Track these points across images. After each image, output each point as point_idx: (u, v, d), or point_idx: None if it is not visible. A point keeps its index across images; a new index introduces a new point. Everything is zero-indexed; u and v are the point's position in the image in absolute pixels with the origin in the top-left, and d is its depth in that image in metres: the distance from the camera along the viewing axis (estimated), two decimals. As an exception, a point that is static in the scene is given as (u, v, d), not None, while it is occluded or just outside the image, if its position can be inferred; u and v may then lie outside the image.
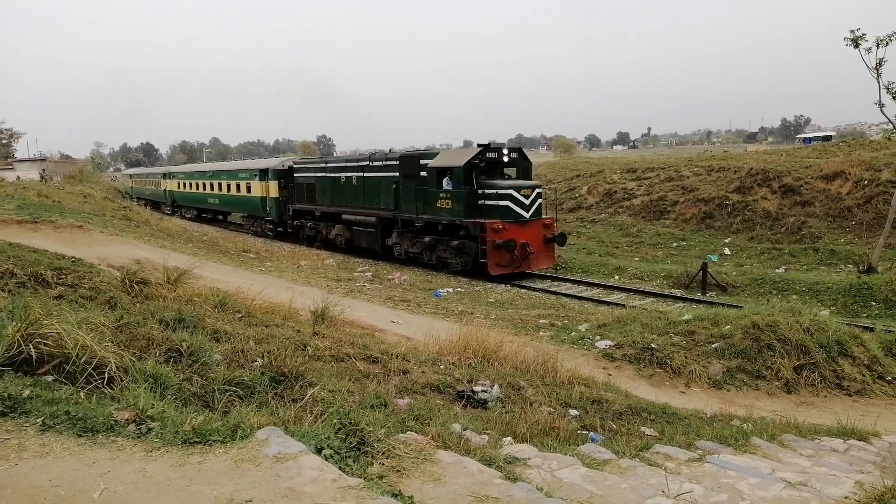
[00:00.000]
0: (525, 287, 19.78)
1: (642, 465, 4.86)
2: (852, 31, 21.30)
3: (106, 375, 4.41)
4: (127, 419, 3.68)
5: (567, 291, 18.97)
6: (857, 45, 21.40)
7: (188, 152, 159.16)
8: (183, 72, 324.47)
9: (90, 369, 4.40)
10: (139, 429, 3.63)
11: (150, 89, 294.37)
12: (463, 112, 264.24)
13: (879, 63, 21.39)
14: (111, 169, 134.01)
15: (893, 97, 21.68)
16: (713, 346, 9.95)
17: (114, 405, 3.89)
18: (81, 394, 4.10)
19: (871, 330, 11.93)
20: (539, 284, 20.18)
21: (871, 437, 6.92)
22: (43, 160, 68.20)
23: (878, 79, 21.66)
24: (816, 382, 9.16)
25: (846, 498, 4.56)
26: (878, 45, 21.22)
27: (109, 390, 4.31)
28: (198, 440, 3.55)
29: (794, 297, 15.08)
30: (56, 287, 7.70)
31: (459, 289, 19.54)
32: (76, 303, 6.97)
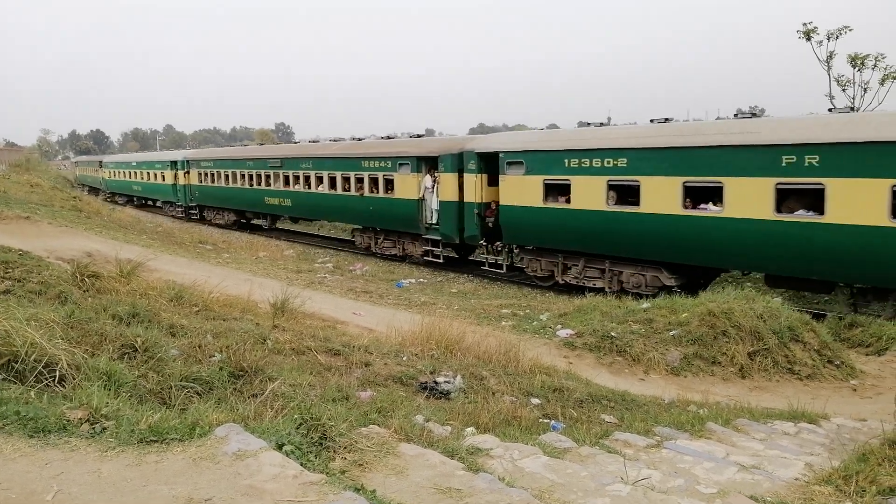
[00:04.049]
0: (487, 277, 19.86)
1: (602, 452, 4.94)
2: (805, 25, 21.97)
3: (57, 374, 4.29)
4: (80, 419, 3.58)
5: (529, 282, 19.09)
6: (809, 38, 22.07)
7: (141, 139, 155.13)
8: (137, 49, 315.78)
9: (40, 367, 4.26)
10: (93, 428, 3.54)
11: (100, 69, 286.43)
12: (417, 96, 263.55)
13: (830, 56, 22.11)
14: (59, 157, 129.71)
15: (843, 89, 22.42)
16: (671, 333, 10.16)
17: (66, 404, 3.78)
18: (32, 393, 3.97)
19: (823, 316, 12.33)
20: (501, 275, 20.26)
21: (821, 420, 7.17)
22: (-13, 148, 65.59)
23: (828, 71, 22.41)
24: (769, 367, 9.44)
25: (796, 480, 4.71)
26: (828, 38, 21.92)
27: (61, 389, 4.19)
28: (154, 439, 3.48)
29: (749, 284, 15.46)
30: (2, 282, 7.44)
31: (422, 279, 19.52)
32: (24, 298, 6.75)
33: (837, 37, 21.68)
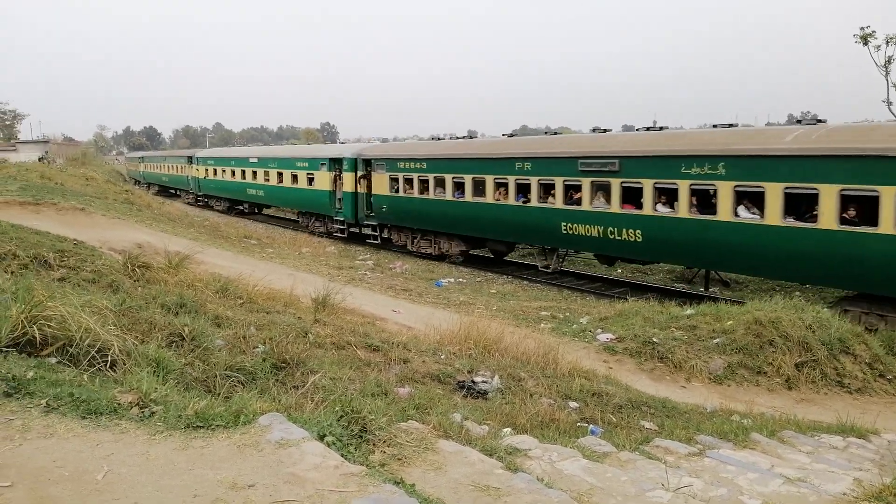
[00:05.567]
0: (527, 279, 19.77)
1: (642, 458, 4.87)
2: (862, 28, 21.30)
3: (109, 358, 4.43)
4: (130, 402, 3.69)
5: (569, 284, 18.95)
6: (866, 43, 21.39)
7: (191, 137, 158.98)
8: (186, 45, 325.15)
9: (93, 352, 4.41)
10: (142, 412, 3.64)
11: (153, 68, 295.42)
12: (460, 101, 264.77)
13: (888, 61, 21.39)
14: (114, 152, 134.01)
15: (901, 95, 21.63)
16: (715, 341, 9.95)
17: (117, 388, 3.90)
18: (85, 376, 4.11)
19: (875, 329, 11.91)
20: (541, 276, 20.16)
21: (871, 435, 6.93)
22: (46, 142, 68.19)
23: (886, 77, 21.67)
24: (817, 379, 9.16)
25: (844, 495, 4.57)
26: (887, 42, 21.21)
27: (112, 373, 4.33)
28: (200, 425, 3.56)
29: (798, 294, 15.05)
30: (58, 269, 7.72)
31: (461, 279, 19.53)
32: (79, 286, 6.99)
33: (898, 41, 20.96)
